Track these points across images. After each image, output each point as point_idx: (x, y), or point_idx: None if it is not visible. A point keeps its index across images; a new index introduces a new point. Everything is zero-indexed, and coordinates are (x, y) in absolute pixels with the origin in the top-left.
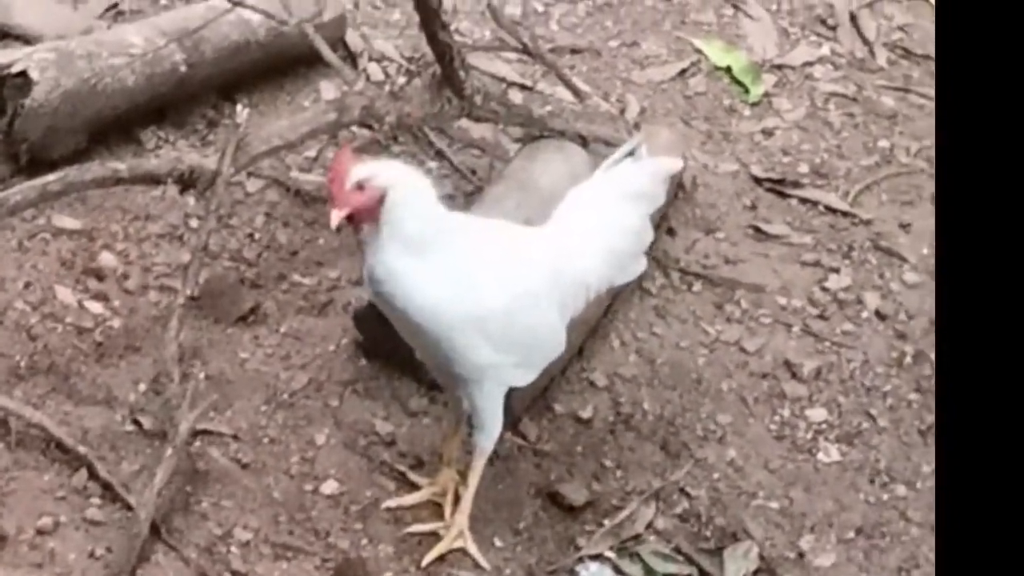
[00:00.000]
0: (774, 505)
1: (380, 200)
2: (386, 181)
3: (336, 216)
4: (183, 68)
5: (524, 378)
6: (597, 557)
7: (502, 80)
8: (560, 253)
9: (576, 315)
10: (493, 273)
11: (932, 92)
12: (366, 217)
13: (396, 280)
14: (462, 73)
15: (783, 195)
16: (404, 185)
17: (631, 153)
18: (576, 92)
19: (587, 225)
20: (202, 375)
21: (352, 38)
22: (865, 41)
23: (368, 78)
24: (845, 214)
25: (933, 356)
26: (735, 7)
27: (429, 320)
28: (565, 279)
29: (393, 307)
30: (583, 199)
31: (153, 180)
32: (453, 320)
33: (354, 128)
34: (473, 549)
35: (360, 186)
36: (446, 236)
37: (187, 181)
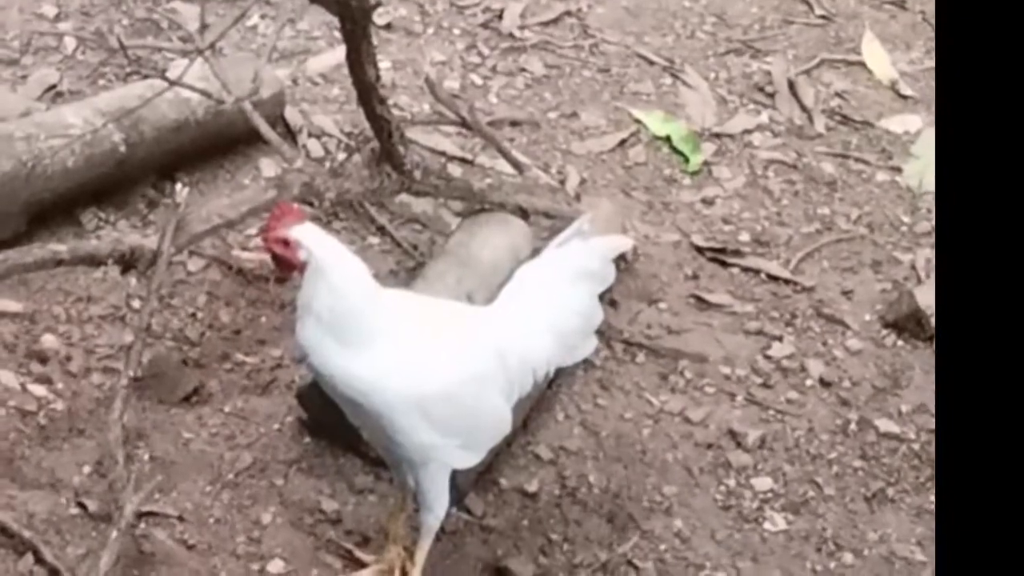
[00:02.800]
0: (722, 575)
1: (299, 266)
2: (308, 255)
3: (255, 245)
4: (122, 148)
5: (468, 460)
6: None
7: (442, 154)
8: (507, 334)
9: (522, 396)
10: (436, 354)
11: (871, 158)
12: (284, 269)
13: (319, 353)
14: (401, 148)
15: (724, 264)
16: (324, 264)
17: (579, 232)
18: (516, 165)
19: (535, 305)
20: (146, 456)
21: (291, 114)
22: (803, 108)
23: (308, 154)
24: (787, 282)
25: (877, 423)
26: (673, 76)
27: (364, 399)
28: (512, 361)
29: (321, 380)
30: (531, 278)
31: (94, 261)
32: (392, 401)
33: (295, 205)
34: None
35: (286, 243)
36: (381, 315)
37: (128, 262)
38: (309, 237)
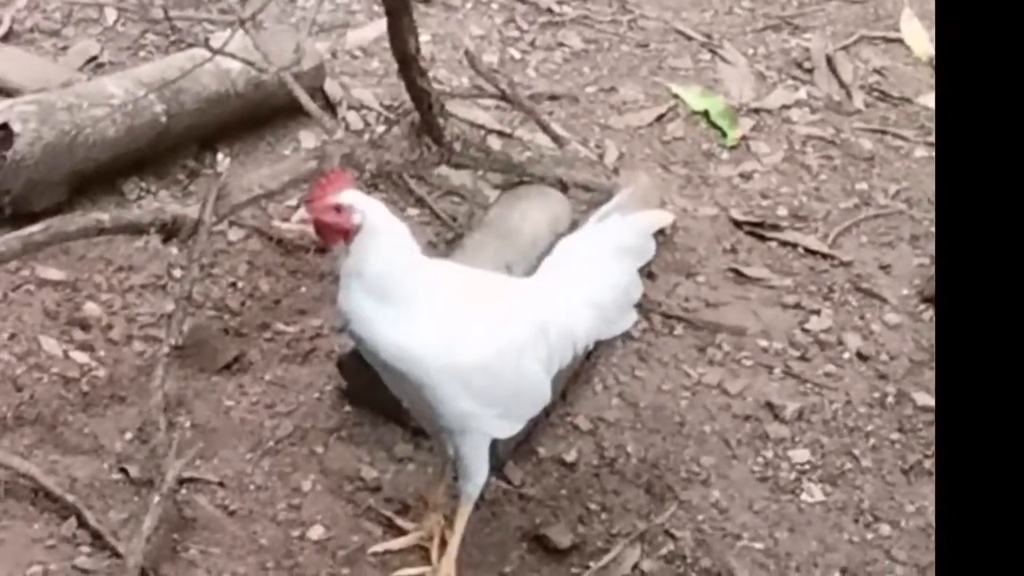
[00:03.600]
0: (759, 546)
1: (351, 231)
2: (362, 218)
3: (301, 214)
4: (163, 119)
5: (508, 430)
6: None
7: (481, 127)
8: (548, 306)
9: (562, 368)
10: (478, 325)
11: (909, 134)
12: (329, 237)
13: (362, 321)
14: (441, 120)
15: (762, 238)
16: (378, 227)
17: (619, 206)
18: (555, 138)
19: (576, 279)
20: (188, 424)
21: (331, 87)
22: (842, 84)
23: (347, 127)
24: (825, 256)
25: (914, 396)
26: (712, 52)
27: (405, 367)
28: (552, 333)
29: (364, 348)
30: (572, 252)
31: (136, 230)
32: (432, 369)
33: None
34: None
35: (338, 208)
36: (424, 284)
37: (169, 231)
38: (361, 202)
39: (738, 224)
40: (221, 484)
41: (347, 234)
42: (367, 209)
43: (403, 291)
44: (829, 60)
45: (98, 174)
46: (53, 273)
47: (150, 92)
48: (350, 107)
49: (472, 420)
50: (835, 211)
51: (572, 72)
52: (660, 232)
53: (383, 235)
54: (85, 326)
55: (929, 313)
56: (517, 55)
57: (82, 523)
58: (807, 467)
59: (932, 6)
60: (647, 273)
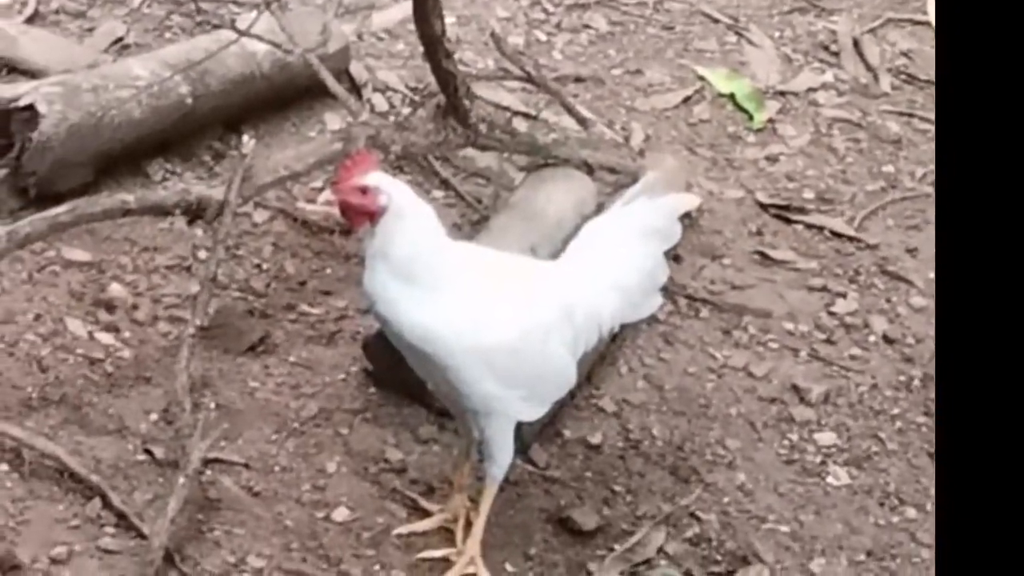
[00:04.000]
0: (784, 529)
1: (377, 213)
2: (388, 199)
3: (326, 195)
4: (189, 100)
5: (532, 412)
6: None
7: (506, 109)
8: (573, 289)
9: (587, 351)
10: (505, 307)
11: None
12: (356, 219)
13: (387, 302)
14: (466, 102)
15: (788, 221)
16: (404, 209)
17: (646, 189)
18: (580, 120)
19: (602, 261)
20: (213, 405)
21: (356, 69)
22: (868, 67)
23: (373, 108)
24: (851, 239)
25: None
26: (738, 34)
27: (430, 348)
28: (578, 316)
29: (389, 329)
30: (598, 235)
31: (161, 212)
32: (457, 350)
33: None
34: (485, 574)
35: (364, 190)
36: (449, 265)
37: (194, 212)
38: (387, 184)
39: (764, 207)
40: (246, 465)
41: (373, 216)
42: (393, 191)
43: (428, 273)
44: (856, 43)
45: (123, 155)
46: (78, 254)
47: (176, 73)
48: (375, 89)
49: (497, 402)
50: (861, 194)
51: (598, 54)
52: (686, 215)
53: (409, 217)
54: (110, 307)
55: None
56: (543, 37)
57: (107, 504)
58: (833, 450)
59: None
60: (673, 256)
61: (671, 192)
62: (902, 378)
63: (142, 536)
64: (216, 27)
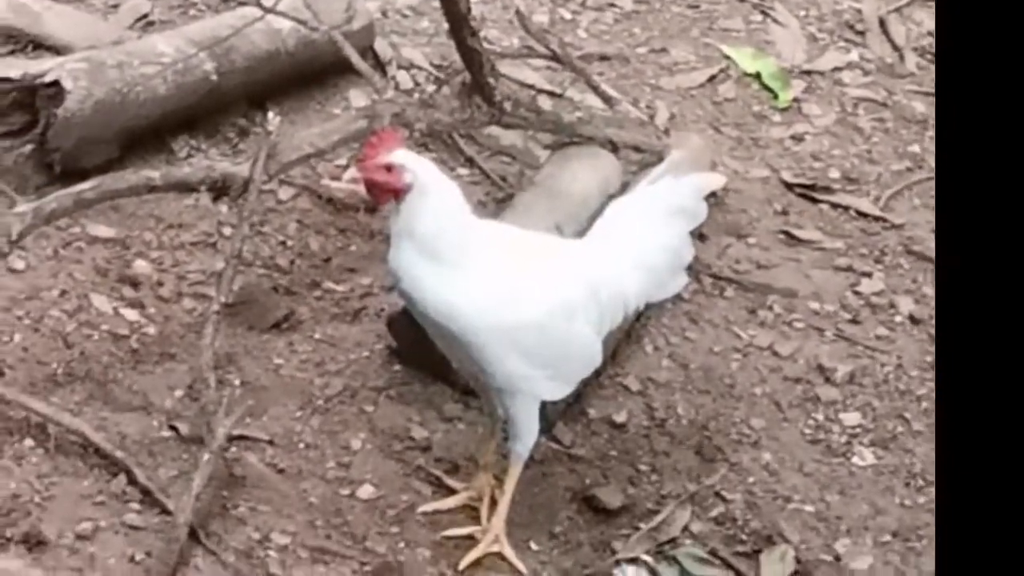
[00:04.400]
0: (809, 508)
1: (402, 191)
2: (413, 177)
3: (350, 173)
4: (214, 77)
5: (558, 392)
6: (633, 560)
7: (531, 87)
8: (599, 268)
9: (613, 330)
10: (530, 285)
11: None
12: (380, 196)
13: (413, 280)
14: (491, 80)
15: (814, 200)
16: (429, 187)
17: (672, 168)
18: (605, 99)
19: (627, 241)
20: (237, 381)
21: (381, 46)
22: (895, 46)
23: (397, 86)
24: (876, 219)
25: None
26: (763, 13)
27: (455, 325)
28: (603, 295)
29: (414, 307)
30: (624, 214)
31: (186, 188)
32: (482, 328)
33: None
34: (510, 553)
35: (389, 168)
36: (475, 243)
37: (219, 189)
38: (412, 161)
39: (789, 186)
40: (271, 442)
41: (398, 193)
42: (418, 168)
43: (454, 250)
44: (881, 22)
45: (148, 132)
46: (103, 230)
47: (200, 50)
48: (400, 66)
49: (522, 381)
50: (887, 174)
51: (623, 33)
52: (711, 194)
53: (434, 194)
54: (135, 283)
55: None
56: (568, 15)
57: (132, 480)
58: (858, 430)
59: None
60: (698, 235)
61: (696, 171)
62: (928, 358)
63: (167, 512)
64: (241, 4)
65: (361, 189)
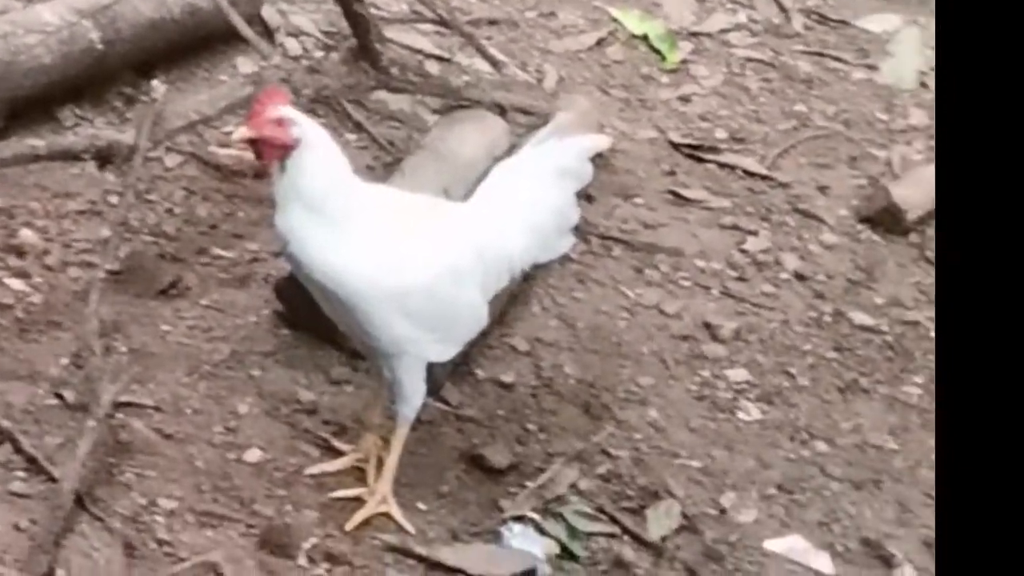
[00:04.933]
0: (696, 464)
1: (289, 146)
2: (303, 131)
3: (241, 132)
4: (99, 46)
5: (444, 353)
6: (520, 519)
7: (419, 52)
8: (484, 230)
9: (499, 291)
10: (414, 247)
11: (848, 56)
12: (269, 153)
13: (300, 241)
14: (378, 45)
15: (701, 160)
16: (318, 143)
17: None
18: (493, 62)
19: (513, 202)
20: (124, 348)
21: (269, 13)
22: (781, 7)
23: (285, 52)
24: (763, 178)
25: (851, 315)
26: None
27: (341, 289)
28: (489, 256)
29: (300, 270)
30: (509, 176)
31: (71, 157)
32: (368, 292)
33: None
34: (397, 513)
35: (280, 122)
36: (361, 206)
37: (105, 157)
38: (304, 120)
39: (677, 147)
40: (157, 408)
41: (287, 149)
42: (305, 124)
43: (341, 209)
44: None
45: (33, 101)
46: None
47: (85, 19)
48: (288, 33)
49: (408, 344)
50: (773, 133)
51: None
52: (599, 155)
53: (321, 150)
54: (21, 253)
55: (866, 233)
56: None
57: (17, 448)
58: (744, 386)
59: None
60: (586, 196)
61: (583, 133)
62: (813, 314)
63: (53, 480)
64: None
65: (248, 154)
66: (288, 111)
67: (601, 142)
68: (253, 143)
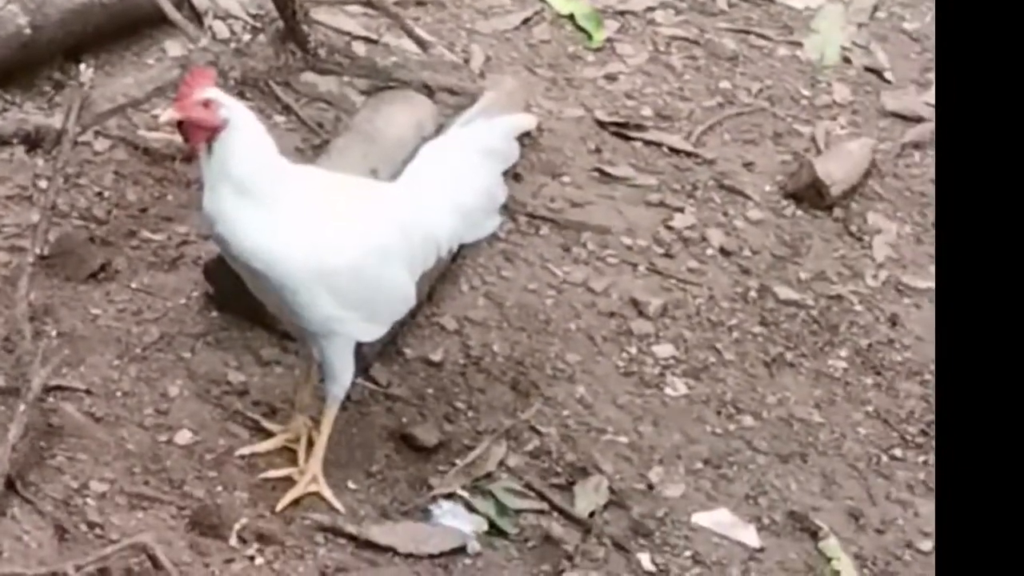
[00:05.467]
0: (623, 440)
1: (217, 128)
2: (231, 113)
3: (168, 115)
4: (27, 31)
5: (372, 333)
6: (450, 496)
7: (347, 33)
8: (411, 209)
9: (426, 271)
10: (342, 228)
11: (772, 33)
12: (197, 135)
13: (227, 222)
14: (305, 27)
15: (627, 138)
16: (245, 124)
17: (483, 111)
18: (421, 43)
19: (440, 182)
20: (54, 332)
21: None
22: None
23: (214, 36)
24: (689, 154)
25: (776, 290)
26: None
27: (269, 270)
28: (416, 236)
29: (228, 251)
30: (436, 156)
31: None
32: (296, 273)
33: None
34: (327, 493)
35: (207, 104)
36: (288, 187)
37: (33, 141)
38: (230, 101)
39: (603, 125)
40: (88, 391)
41: (214, 131)
42: (232, 106)
43: (268, 189)
44: None
45: None
46: None
47: (12, 3)
48: (216, 16)
49: (336, 324)
50: (699, 110)
51: None
52: (526, 134)
53: (248, 131)
54: None
55: (791, 209)
56: None
57: None
58: (671, 361)
59: None
60: (513, 174)
61: (510, 112)
62: (739, 290)
63: None
64: None
65: (177, 136)
66: (215, 93)
67: (528, 122)
68: (180, 125)
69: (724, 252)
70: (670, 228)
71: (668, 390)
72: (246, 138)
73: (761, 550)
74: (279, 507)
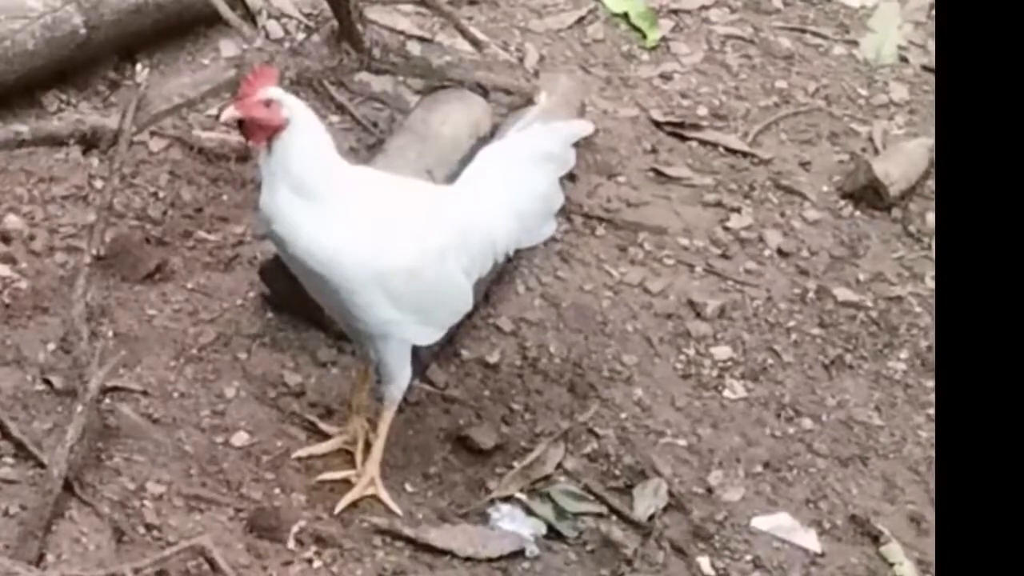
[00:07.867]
0: (682, 442)
1: (278, 127)
2: (292, 113)
3: (230, 113)
4: (83, 31)
5: (428, 337)
6: (508, 499)
7: (401, 33)
8: (469, 213)
9: (483, 275)
10: (400, 230)
11: (828, 32)
12: (258, 134)
13: (285, 222)
14: (360, 27)
15: (683, 138)
16: (306, 124)
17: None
18: (475, 42)
19: (497, 186)
20: (111, 333)
21: None
22: None
23: (267, 35)
24: (745, 154)
25: (835, 291)
26: None
27: (326, 270)
28: (473, 240)
29: (285, 251)
30: (494, 160)
31: (56, 142)
32: (352, 273)
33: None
34: (384, 495)
35: (268, 103)
36: (347, 188)
37: (89, 142)
38: (292, 101)
39: (658, 124)
40: (145, 392)
41: (276, 130)
42: (294, 105)
43: (327, 189)
44: None
45: (18, 87)
46: None
47: (69, 4)
48: (270, 16)
49: (392, 326)
50: (755, 109)
51: None
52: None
53: (309, 131)
54: (7, 238)
55: (848, 209)
56: None
57: (5, 434)
58: (729, 363)
59: None
60: (569, 175)
61: (566, 115)
62: (796, 291)
63: (41, 465)
64: None
65: (233, 137)
66: (277, 92)
67: (584, 128)
68: (241, 124)
69: (782, 253)
70: (727, 229)
71: (727, 392)
72: (307, 138)
73: (822, 555)
74: (337, 509)
